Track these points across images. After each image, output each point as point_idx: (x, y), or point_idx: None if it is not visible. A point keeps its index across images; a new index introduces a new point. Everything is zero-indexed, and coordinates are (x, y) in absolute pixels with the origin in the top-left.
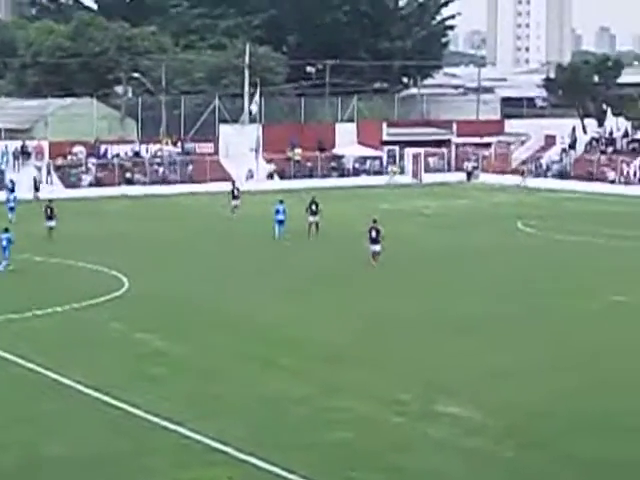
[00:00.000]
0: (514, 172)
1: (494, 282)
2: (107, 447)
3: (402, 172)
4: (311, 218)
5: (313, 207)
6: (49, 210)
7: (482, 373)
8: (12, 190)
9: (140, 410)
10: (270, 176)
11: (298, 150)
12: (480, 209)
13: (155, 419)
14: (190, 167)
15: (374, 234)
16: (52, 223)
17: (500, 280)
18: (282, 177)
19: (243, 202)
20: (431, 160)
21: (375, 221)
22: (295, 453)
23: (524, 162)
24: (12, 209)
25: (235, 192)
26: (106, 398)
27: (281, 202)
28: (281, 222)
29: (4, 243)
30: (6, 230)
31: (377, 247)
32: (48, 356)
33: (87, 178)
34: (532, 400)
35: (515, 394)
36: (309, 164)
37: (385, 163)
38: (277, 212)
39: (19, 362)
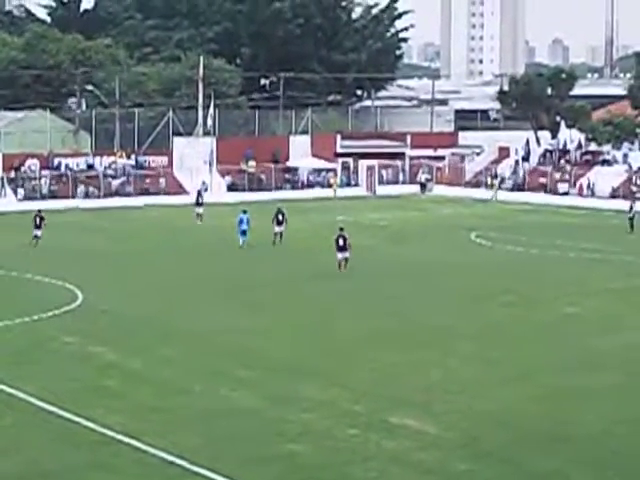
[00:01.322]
0: (468, 184)
1: (448, 294)
2: (61, 462)
3: (348, 184)
4: (277, 228)
5: (279, 217)
6: (38, 219)
7: (436, 385)
8: None
9: (94, 424)
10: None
11: (252, 162)
12: (434, 221)
13: (110, 432)
14: (147, 180)
15: (341, 242)
16: (39, 232)
17: (454, 292)
18: (236, 189)
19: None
20: (385, 172)
21: (342, 229)
22: (250, 465)
23: (495, 176)
24: None
25: (199, 200)
26: (60, 412)
27: (244, 212)
28: (244, 232)
29: None
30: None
31: (345, 254)
32: (1, 369)
33: (41, 190)
34: (485, 412)
35: (468, 406)
36: (263, 176)
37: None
38: (240, 222)
39: None
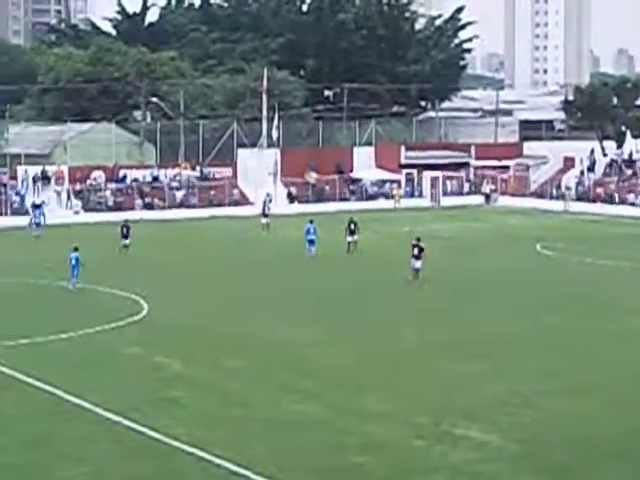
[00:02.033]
0: (533, 195)
1: (513, 305)
2: (127, 472)
3: (412, 195)
4: (349, 238)
5: (352, 227)
6: (125, 229)
7: (499, 397)
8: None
9: (160, 434)
10: (291, 200)
11: (313, 174)
12: (499, 232)
13: (175, 443)
14: (212, 191)
15: (416, 251)
16: (127, 241)
17: (519, 303)
18: (300, 201)
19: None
20: (449, 183)
21: (419, 239)
22: (315, 477)
23: (567, 187)
24: (38, 224)
25: (265, 210)
26: (126, 422)
27: (311, 222)
28: (312, 241)
29: (73, 262)
30: (75, 249)
31: (418, 264)
32: (67, 380)
33: (106, 202)
34: (549, 424)
35: (532, 418)
36: (327, 187)
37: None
38: (308, 232)
39: (38, 385)
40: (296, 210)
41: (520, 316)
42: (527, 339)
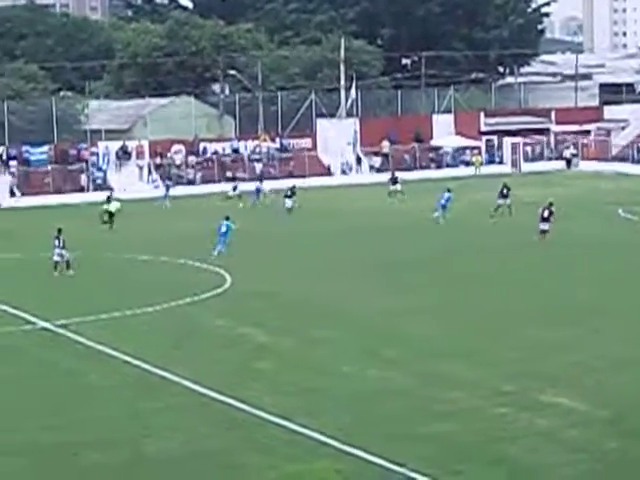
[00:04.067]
0: (614, 159)
1: (599, 271)
2: (216, 443)
3: (492, 162)
4: (500, 201)
5: (504, 191)
6: (290, 191)
7: (585, 363)
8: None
9: (247, 405)
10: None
11: (386, 143)
12: (581, 197)
13: (262, 414)
14: (291, 162)
15: (546, 213)
16: (290, 203)
17: (603, 269)
18: (379, 170)
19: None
20: (530, 149)
21: (551, 203)
22: (402, 445)
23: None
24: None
25: (396, 179)
26: (213, 394)
27: (449, 190)
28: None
29: (223, 229)
30: (227, 218)
31: (546, 226)
32: (153, 353)
33: (187, 176)
34: (635, 389)
35: (618, 384)
36: (406, 157)
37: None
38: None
39: (125, 359)
40: (378, 179)
41: (605, 281)
42: (613, 304)
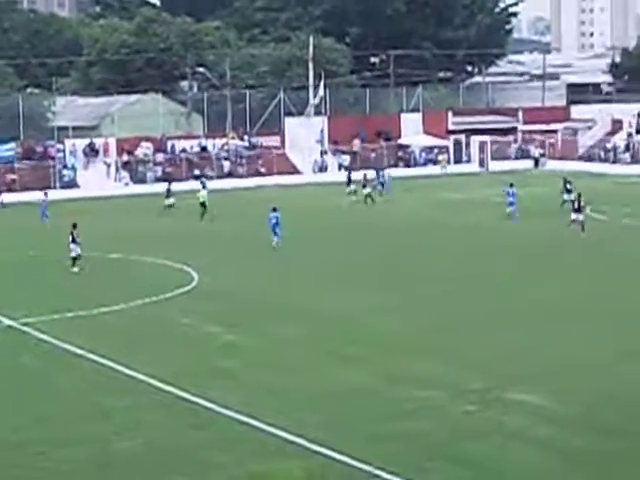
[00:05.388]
0: (581, 158)
1: (565, 270)
2: (181, 441)
3: (459, 161)
4: (566, 196)
5: (567, 186)
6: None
7: (552, 362)
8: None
9: (213, 403)
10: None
11: (357, 141)
12: (548, 196)
13: (228, 412)
14: (259, 161)
15: (576, 204)
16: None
17: (572, 268)
18: (347, 168)
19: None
20: (497, 148)
21: (580, 195)
22: (369, 444)
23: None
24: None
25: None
26: (178, 392)
27: (274, 210)
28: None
29: (273, 221)
30: (274, 210)
31: (580, 216)
32: (120, 352)
33: (154, 174)
34: (602, 387)
35: (585, 382)
36: (373, 155)
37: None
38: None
39: (91, 357)
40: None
41: (570, 280)
42: (577, 303)
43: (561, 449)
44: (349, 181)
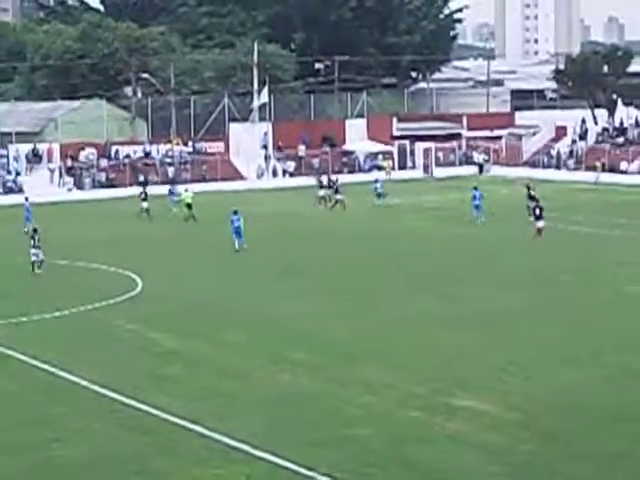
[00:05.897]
0: (525, 164)
1: (507, 275)
2: (124, 448)
3: (404, 167)
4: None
5: (531, 192)
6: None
7: (496, 367)
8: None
9: (157, 410)
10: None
11: (302, 146)
12: (493, 202)
13: (172, 418)
14: (204, 166)
15: (538, 211)
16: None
17: (513, 273)
18: (292, 174)
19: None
20: (442, 154)
21: (538, 200)
22: (313, 450)
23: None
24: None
25: (330, 184)
26: (122, 398)
27: (235, 213)
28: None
29: (236, 224)
30: (235, 212)
31: (540, 223)
32: (63, 357)
33: (99, 179)
34: (547, 392)
35: (530, 387)
36: (317, 160)
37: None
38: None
39: (33, 363)
40: (292, 183)
41: (515, 285)
42: (522, 308)
43: (505, 455)
44: (320, 185)
